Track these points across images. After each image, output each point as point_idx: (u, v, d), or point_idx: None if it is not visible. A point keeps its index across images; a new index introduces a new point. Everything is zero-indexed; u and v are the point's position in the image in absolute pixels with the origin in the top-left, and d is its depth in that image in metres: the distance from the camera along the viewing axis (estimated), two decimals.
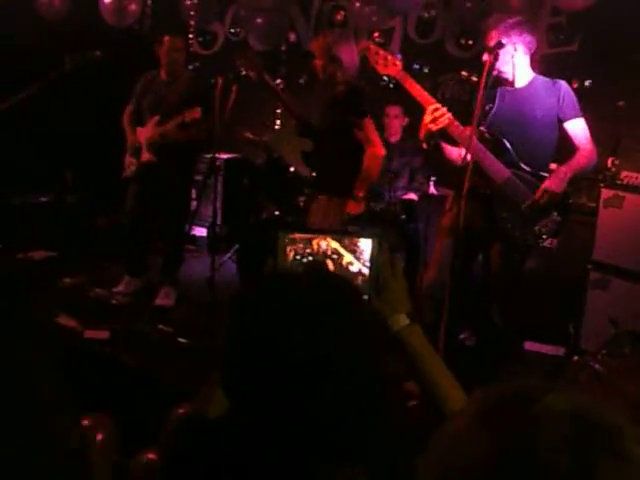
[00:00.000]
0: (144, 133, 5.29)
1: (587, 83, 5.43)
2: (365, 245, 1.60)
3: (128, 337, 4.45)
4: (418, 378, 1.52)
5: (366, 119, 4.37)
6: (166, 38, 5.19)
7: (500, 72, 3.81)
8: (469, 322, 4.45)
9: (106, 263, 6.00)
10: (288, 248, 1.63)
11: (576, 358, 1.49)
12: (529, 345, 4.99)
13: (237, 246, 6.12)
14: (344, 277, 1.49)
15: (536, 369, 4.60)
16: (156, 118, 5.21)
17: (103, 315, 4.79)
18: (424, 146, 3.92)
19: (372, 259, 1.58)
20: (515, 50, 3.79)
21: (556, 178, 3.75)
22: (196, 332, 4.48)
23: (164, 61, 5.26)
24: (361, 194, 4.35)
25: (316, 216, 4.51)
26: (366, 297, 1.54)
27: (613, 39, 5.26)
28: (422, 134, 3.82)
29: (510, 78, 3.87)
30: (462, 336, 4.57)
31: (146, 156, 5.25)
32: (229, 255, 6.15)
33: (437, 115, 3.68)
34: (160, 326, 4.54)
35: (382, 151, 4.39)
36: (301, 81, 7.08)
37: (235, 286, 5.38)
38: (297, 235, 1.64)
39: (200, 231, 6.87)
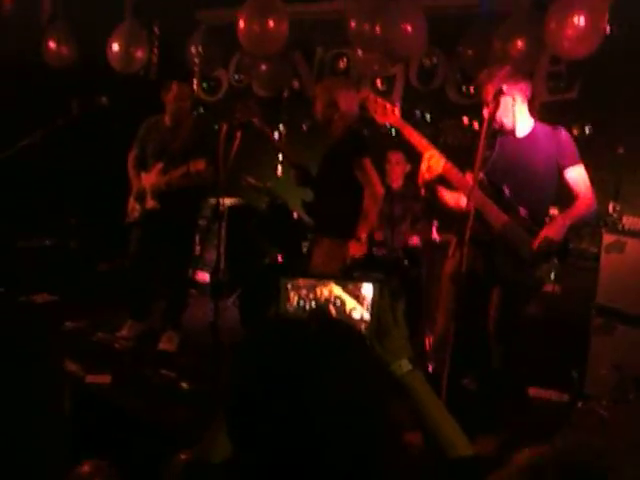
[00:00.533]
0: (148, 179, 5.33)
1: (587, 130, 5.48)
2: (367, 290, 1.60)
3: (130, 382, 4.44)
4: (421, 424, 1.52)
5: (365, 159, 4.42)
6: (174, 85, 5.25)
7: (502, 123, 3.85)
8: (472, 367, 4.43)
9: (109, 308, 6.00)
10: (291, 294, 1.64)
11: (581, 404, 1.49)
12: (533, 391, 4.97)
13: (240, 291, 6.13)
14: (348, 324, 1.49)
15: (540, 415, 4.57)
16: (160, 165, 5.25)
17: (105, 359, 4.78)
18: (422, 192, 3.97)
19: (373, 304, 1.58)
20: (514, 100, 3.83)
21: (555, 226, 3.76)
22: (199, 377, 4.46)
23: (170, 108, 5.31)
24: (363, 235, 4.37)
25: (318, 259, 4.53)
26: (369, 343, 1.54)
27: (613, 86, 5.32)
28: (420, 181, 3.87)
29: (511, 127, 3.91)
30: (465, 381, 4.55)
31: (151, 203, 5.28)
32: (232, 300, 6.15)
33: (432, 163, 3.73)
34: (162, 371, 4.53)
35: (381, 190, 4.43)
36: (303, 128, 7.16)
37: (238, 331, 5.38)
38: (300, 281, 1.64)
39: (203, 276, 6.88)
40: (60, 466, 1.33)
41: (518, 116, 3.89)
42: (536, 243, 3.73)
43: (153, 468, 3.12)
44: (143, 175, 5.40)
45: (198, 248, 5.77)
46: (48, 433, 1.26)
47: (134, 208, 5.42)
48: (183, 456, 2.94)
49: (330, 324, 1.35)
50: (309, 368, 1.18)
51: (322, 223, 4.70)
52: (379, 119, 3.90)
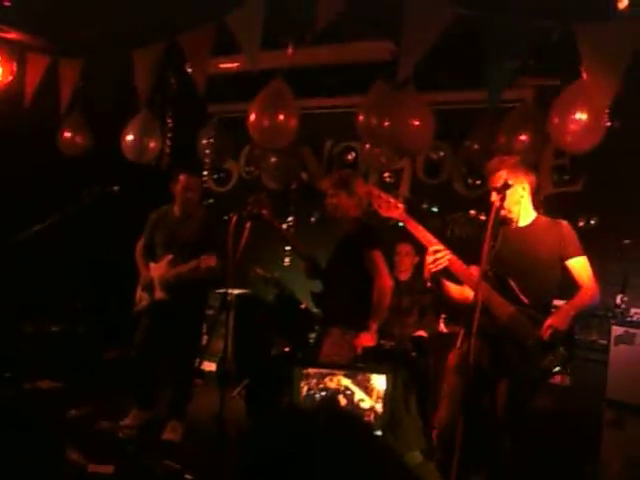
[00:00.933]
0: (157, 270, 5.36)
1: (593, 222, 5.53)
2: (377, 381, 1.60)
3: (133, 472, 4.36)
4: None
5: (374, 251, 4.47)
6: (182, 177, 5.32)
7: (509, 212, 3.90)
8: (480, 462, 4.34)
9: (113, 396, 5.95)
10: (302, 383, 1.64)
11: None
12: None
13: (247, 382, 6.08)
14: (356, 414, 1.48)
15: None
16: (170, 257, 5.28)
17: (108, 449, 4.70)
18: (428, 285, 4.00)
19: (386, 395, 1.58)
20: (524, 189, 3.90)
21: (560, 315, 3.77)
22: (203, 468, 4.37)
23: (179, 199, 5.38)
24: (373, 325, 4.38)
25: (328, 349, 4.51)
26: (380, 433, 1.53)
27: (617, 177, 5.40)
28: (426, 274, 3.90)
29: (516, 217, 3.96)
30: (473, 477, 4.45)
31: (159, 295, 5.30)
32: (238, 390, 6.10)
33: (438, 256, 3.76)
34: (166, 461, 4.43)
35: (389, 282, 4.47)
36: (312, 219, 7.23)
37: (244, 423, 5.30)
38: (310, 370, 1.65)
39: (209, 366, 6.83)
40: None
41: (523, 207, 3.95)
42: (541, 332, 3.72)
43: None
44: (152, 265, 5.43)
45: (205, 337, 5.74)
46: None
47: (142, 297, 5.43)
48: None
49: (339, 415, 1.34)
50: (317, 458, 1.17)
51: (332, 313, 4.71)
52: (383, 213, 3.96)
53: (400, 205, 3.93)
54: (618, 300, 4.96)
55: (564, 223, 3.97)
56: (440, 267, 3.79)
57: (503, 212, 3.84)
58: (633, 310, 4.89)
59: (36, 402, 5.35)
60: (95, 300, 6.85)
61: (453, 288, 3.99)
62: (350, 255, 4.56)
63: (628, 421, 4.65)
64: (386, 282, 4.47)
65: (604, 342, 4.93)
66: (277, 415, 1.38)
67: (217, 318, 5.19)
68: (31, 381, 5.30)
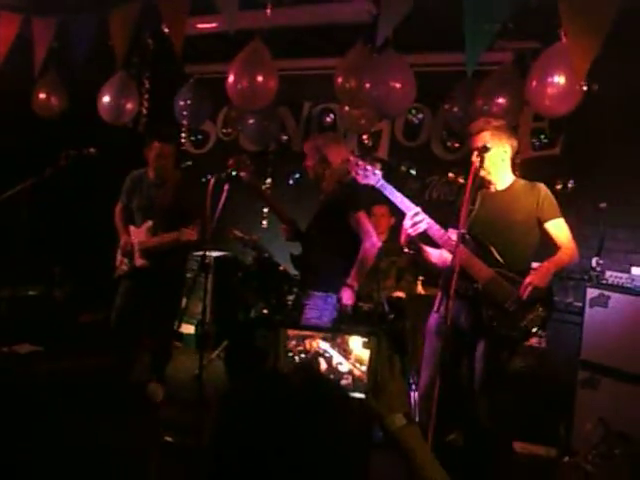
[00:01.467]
0: (137, 236, 5.35)
1: (570, 185, 5.56)
2: (356, 344, 1.61)
3: None
4: (413, 476, 1.50)
5: (359, 213, 4.47)
6: (155, 144, 5.26)
7: (489, 174, 3.92)
8: (457, 423, 4.41)
9: (91, 359, 5.95)
10: (284, 344, 1.65)
11: (567, 459, 1.48)
12: (519, 446, 4.94)
13: (225, 343, 6.10)
14: (332, 381, 1.49)
15: (527, 470, 4.54)
16: (149, 223, 5.28)
17: None
18: (405, 250, 4.02)
19: (371, 358, 1.59)
20: (505, 153, 3.92)
21: (539, 273, 3.82)
22: (183, 430, 4.40)
23: (152, 165, 5.34)
24: (355, 284, 4.38)
25: (311, 313, 4.53)
26: (363, 396, 1.55)
27: (595, 142, 5.42)
28: (403, 238, 3.92)
29: (494, 180, 3.99)
30: (450, 437, 4.52)
31: (140, 262, 5.30)
32: (217, 352, 6.12)
33: (417, 220, 3.79)
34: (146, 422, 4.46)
35: (378, 243, 4.46)
36: (290, 181, 7.21)
37: (223, 384, 5.33)
38: (290, 332, 1.66)
39: (188, 328, 6.84)
40: None
41: (502, 171, 3.97)
42: (521, 290, 3.77)
43: None
44: (132, 229, 5.42)
45: (184, 300, 5.73)
46: None
47: (122, 262, 5.42)
48: None
49: (313, 380, 1.34)
50: (290, 424, 1.18)
51: (312, 277, 4.70)
52: (361, 180, 3.98)
53: (378, 172, 3.94)
54: (594, 263, 5.01)
55: (541, 186, 4.01)
56: (418, 231, 3.82)
57: (482, 174, 3.87)
58: (608, 273, 4.94)
59: (14, 365, 5.35)
60: (73, 264, 6.81)
61: (431, 252, 4.03)
62: (332, 218, 4.53)
63: (601, 382, 4.73)
64: (375, 243, 4.46)
65: (579, 304, 4.99)
66: (253, 378, 1.39)
67: (195, 280, 5.17)
68: (9, 345, 5.27)
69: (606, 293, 4.78)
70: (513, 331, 3.86)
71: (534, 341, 4.59)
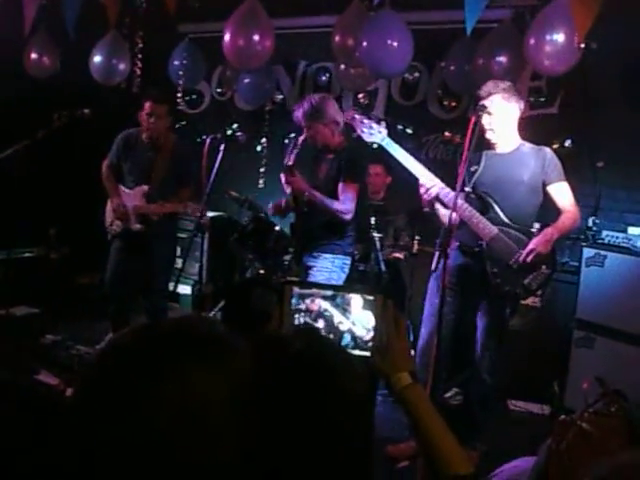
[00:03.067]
0: (132, 200, 5.30)
1: (567, 144, 5.53)
2: (357, 304, 1.61)
3: None
4: (418, 438, 1.50)
5: (355, 184, 4.52)
6: (147, 104, 5.16)
7: (494, 135, 3.92)
8: (456, 380, 4.45)
9: (88, 321, 5.97)
10: (288, 303, 1.65)
11: (563, 417, 1.50)
12: (513, 403, 4.99)
13: (222, 304, 6.11)
14: (334, 344, 1.49)
15: (521, 428, 4.59)
16: (145, 188, 5.25)
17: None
18: (426, 210, 4.08)
19: (376, 317, 1.58)
20: (512, 115, 3.92)
21: (542, 239, 3.83)
22: None
23: (144, 126, 5.26)
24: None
25: (321, 275, 4.58)
26: (364, 353, 1.54)
27: (593, 100, 5.38)
28: (424, 202, 3.97)
29: (500, 142, 3.98)
30: (448, 394, 4.56)
31: (137, 227, 5.27)
32: (214, 313, 6.13)
33: (428, 186, 3.83)
34: None
35: (348, 217, 4.48)
36: (285, 141, 7.16)
37: None
38: (295, 290, 1.65)
39: (184, 289, 6.85)
40: None
41: (507, 133, 3.96)
42: (523, 255, 3.79)
43: None
44: (123, 191, 5.37)
45: (180, 261, 5.74)
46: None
47: (114, 222, 5.38)
48: None
49: (315, 344, 1.34)
50: (290, 388, 1.18)
51: (318, 239, 4.68)
52: (366, 139, 3.97)
53: (383, 130, 3.93)
54: (590, 222, 5.02)
55: (547, 149, 4.03)
56: (433, 195, 3.87)
57: (488, 135, 3.89)
58: (604, 232, 4.95)
59: (11, 328, 5.36)
60: (68, 225, 6.79)
61: (443, 211, 4.04)
62: (332, 188, 4.55)
63: (596, 341, 4.77)
64: (346, 213, 4.48)
65: (575, 264, 5.00)
66: (254, 342, 1.38)
67: (192, 241, 5.18)
68: (5, 307, 5.27)
69: (602, 253, 4.80)
70: (516, 288, 3.89)
71: (530, 300, 4.60)
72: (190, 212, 5.04)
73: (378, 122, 4.00)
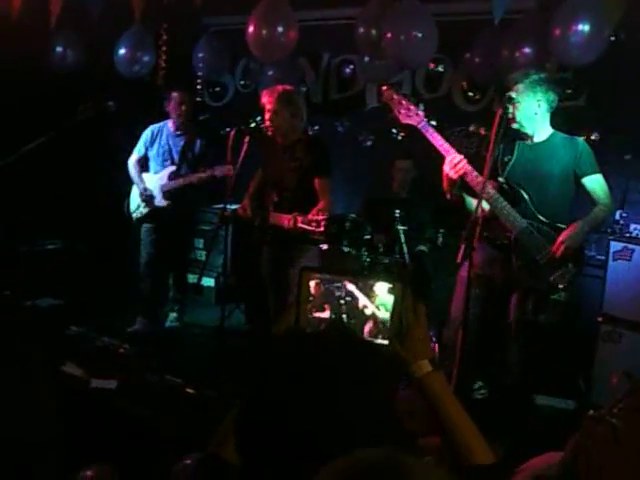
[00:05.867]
0: (158, 181, 5.61)
1: (594, 137, 5.47)
2: (381, 289, 1.59)
3: (135, 387, 4.42)
4: (438, 426, 1.48)
5: (328, 178, 4.59)
6: (175, 94, 5.58)
7: (521, 126, 3.87)
8: (482, 373, 4.42)
9: (112, 312, 6.01)
10: (308, 286, 1.64)
11: (592, 412, 1.47)
12: (538, 398, 4.95)
13: (246, 296, 6.13)
14: (365, 340, 1.48)
15: (546, 423, 4.55)
16: (173, 168, 5.57)
17: (110, 365, 4.75)
18: (447, 196, 3.97)
19: (396, 303, 1.57)
20: (539, 106, 3.86)
21: (573, 232, 3.79)
22: (205, 382, 4.43)
23: (174, 115, 5.61)
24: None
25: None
26: (386, 342, 1.53)
27: (620, 92, 5.31)
28: (445, 184, 3.88)
29: (530, 133, 3.94)
30: (474, 387, 4.54)
31: (162, 202, 5.61)
32: (237, 305, 6.15)
33: (456, 162, 3.74)
34: (168, 376, 4.49)
35: (327, 214, 4.41)
36: (310, 133, 7.14)
37: (244, 336, 5.36)
38: (317, 275, 1.64)
39: (208, 282, 6.86)
40: (55, 470, 1.33)
41: (539, 123, 3.92)
42: (554, 248, 3.75)
43: (156, 474, 3.11)
44: (147, 176, 5.69)
45: (204, 253, 5.83)
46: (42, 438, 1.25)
47: (140, 206, 5.70)
48: (187, 461, 2.92)
49: (347, 340, 1.33)
50: (320, 385, 1.17)
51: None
52: (402, 120, 3.92)
53: (420, 112, 3.88)
54: (617, 216, 4.96)
55: (580, 140, 3.99)
56: (460, 173, 3.77)
57: (514, 125, 3.84)
58: (632, 226, 4.89)
59: (36, 320, 5.40)
60: (92, 217, 6.82)
61: (469, 200, 3.98)
62: (306, 182, 4.59)
63: (623, 336, 4.71)
64: (325, 210, 4.45)
65: (602, 257, 4.95)
66: (285, 339, 1.37)
67: (216, 233, 5.20)
68: (31, 299, 5.32)
69: (630, 246, 4.73)
70: (541, 284, 3.85)
71: (555, 295, 4.56)
72: (218, 174, 5.33)
73: (416, 104, 3.94)
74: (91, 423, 3.60)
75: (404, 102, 3.90)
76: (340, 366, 1.21)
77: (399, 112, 3.91)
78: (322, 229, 4.18)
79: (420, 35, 4.81)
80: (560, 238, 3.76)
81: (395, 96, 3.96)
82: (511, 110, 3.79)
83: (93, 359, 4.75)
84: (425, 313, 1.58)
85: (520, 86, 3.81)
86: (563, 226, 3.86)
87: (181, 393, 4.30)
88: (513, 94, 3.75)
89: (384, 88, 4.09)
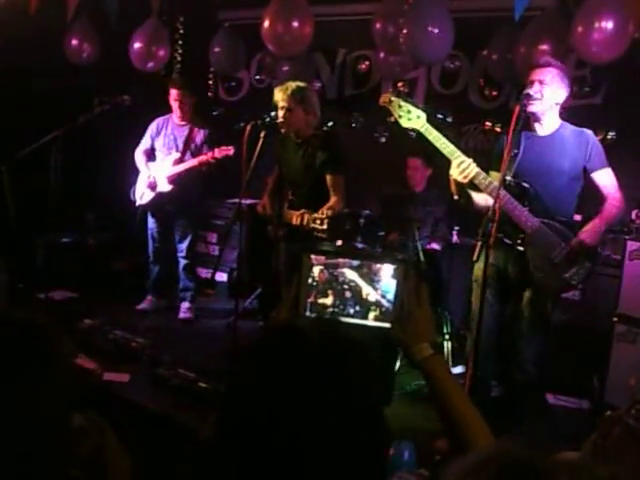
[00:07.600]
0: (163, 168, 5.70)
1: (610, 135, 5.43)
2: (385, 273, 1.58)
3: (148, 381, 4.42)
4: (439, 409, 1.47)
5: (342, 177, 4.59)
6: (171, 90, 5.69)
7: (536, 117, 3.83)
8: (497, 371, 4.40)
9: (125, 305, 6.02)
10: (309, 272, 1.62)
11: (609, 413, 1.45)
12: (552, 397, 4.93)
13: (259, 291, 6.12)
14: (352, 337, 1.44)
15: (560, 422, 4.53)
16: (177, 155, 5.63)
17: (122, 358, 4.76)
18: (455, 197, 3.90)
19: (397, 286, 1.55)
20: (559, 96, 3.82)
21: (592, 231, 3.76)
22: (216, 377, 4.42)
23: (173, 107, 5.74)
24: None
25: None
26: (388, 325, 1.52)
27: (637, 91, 5.26)
28: (453, 188, 3.81)
29: (540, 124, 3.89)
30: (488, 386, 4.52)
31: (165, 187, 5.69)
32: (250, 300, 6.14)
33: (464, 167, 3.66)
34: (180, 370, 4.49)
35: (333, 212, 4.37)
36: (325, 128, 7.13)
37: (256, 332, 5.35)
38: (315, 259, 1.62)
39: (221, 276, 6.87)
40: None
41: (551, 113, 3.87)
42: (572, 245, 3.72)
43: (169, 467, 3.10)
44: (152, 165, 5.81)
45: (217, 248, 5.83)
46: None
47: (144, 193, 5.81)
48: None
49: (331, 336, 1.29)
50: (303, 379, 1.15)
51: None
52: (404, 124, 3.80)
53: (422, 115, 3.79)
54: (633, 215, 4.92)
55: (589, 133, 3.92)
56: (469, 178, 3.68)
57: (535, 109, 3.79)
58: None
59: (50, 312, 5.41)
60: (105, 211, 6.84)
61: (477, 197, 3.91)
62: (320, 179, 4.60)
63: (639, 336, 4.67)
64: (337, 206, 4.49)
65: (617, 257, 4.91)
66: (271, 332, 1.35)
67: (230, 228, 5.20)
68: (44, 292, 5.32)
69: None
70: (556, 282, 3.82)
71: (570, 294, 4.53)
72: (218, 155, 5.35)
73: (417, 107, 3.85)
74: (103, 416, 3.60)
75: (403, 105, 3.81)
76: (316, 365, 1.17)
77: (400, 116, 3.83)
78: (325, 227, 4.14)
79: (437, 31, 4.79)
80: (579, 237, 3.73)
81: (394, 99, 3.85)
82: (537, 87, 3.72)
83: (106, 352, 4.76)
84: (426, 294, 1.55)
85: (552, 70, 3.76)
86: (574, 223, 3.84)
87: (193, 388, 4.30)
88: (544, 74, 3.71)
89: (384, 94, 4.04)
